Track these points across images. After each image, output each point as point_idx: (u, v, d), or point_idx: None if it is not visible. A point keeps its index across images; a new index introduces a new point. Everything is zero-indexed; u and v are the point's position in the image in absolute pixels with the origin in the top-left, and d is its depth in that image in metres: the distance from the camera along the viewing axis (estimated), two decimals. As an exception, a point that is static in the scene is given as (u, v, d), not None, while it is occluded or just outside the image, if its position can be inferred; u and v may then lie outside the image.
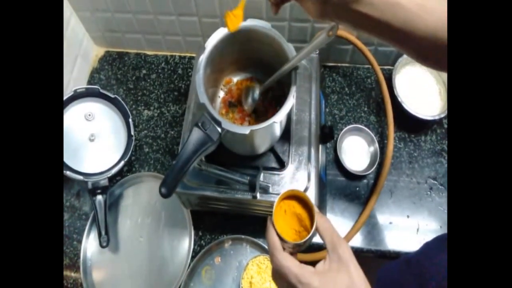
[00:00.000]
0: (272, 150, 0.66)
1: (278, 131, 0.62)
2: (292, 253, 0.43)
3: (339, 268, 0.40)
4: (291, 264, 0.40)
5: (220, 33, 0.58)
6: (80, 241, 0.78)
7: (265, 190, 0.63)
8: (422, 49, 0.41)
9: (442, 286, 0.51)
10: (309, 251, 0.75)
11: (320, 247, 0.76)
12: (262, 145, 0.63)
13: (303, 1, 0.44)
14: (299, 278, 0.39)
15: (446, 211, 0.79)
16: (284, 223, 0.45)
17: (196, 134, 0.52)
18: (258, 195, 0.62)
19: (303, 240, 0.43)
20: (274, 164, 0.66)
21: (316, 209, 0.44)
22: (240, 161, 0.65)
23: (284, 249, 0.42)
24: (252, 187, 0.62)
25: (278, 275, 0.42)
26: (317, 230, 0.44)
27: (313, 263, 0.44)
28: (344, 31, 0.84)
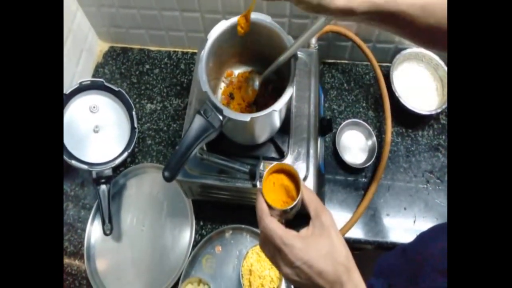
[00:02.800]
0: (272, 140, 0.68)
1: (277, 121, 0.64)
2: (279, 221, 0.45)
3: (321, 233, 0.42)
4: (276, 227, 0.42)
5: (222, 26, 0.60)
6: (84, 230, 0.80)
7: (265, 179, 0.64)
8: (432, 37, 0.45)
9: (436, 271, 0.52)
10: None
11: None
12: (262, 135, 0.65)
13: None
14: (283, 240, 0.41)
15: (442, 203, 0.80)
16: (273, 194, 0.47)
17: (198, 121, 0.54)
18: (258, 183, 0.64)
19: (289, 207, 0.45)
20: (274, 154, 0.67)
21: (302, 181, 0.46)
22: (241, 150, 0.67)
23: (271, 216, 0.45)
24: (252, 176, 0.63)
25: (265, 238, 0.44)
26: (303, 200, 0.46)
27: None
28: (343, 28, 0.86)
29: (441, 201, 0.81)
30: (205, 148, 0.66)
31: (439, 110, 0.84)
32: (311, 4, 0.42)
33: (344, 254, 0.42)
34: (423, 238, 0.63)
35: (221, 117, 0.54)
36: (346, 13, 0.42)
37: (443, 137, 0.87)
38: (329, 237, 0.42)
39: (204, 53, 0.58)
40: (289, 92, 0.55)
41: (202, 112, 0.54)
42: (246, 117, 0.54)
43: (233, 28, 0.60)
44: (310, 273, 0.40)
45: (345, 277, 0.40)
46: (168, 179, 0.52)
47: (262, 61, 0.69)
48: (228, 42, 0.63)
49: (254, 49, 0.67)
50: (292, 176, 0.48)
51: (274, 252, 0.43)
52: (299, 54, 0.75)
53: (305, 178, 0.65)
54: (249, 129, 0.61)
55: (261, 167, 0.64)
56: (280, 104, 0.55)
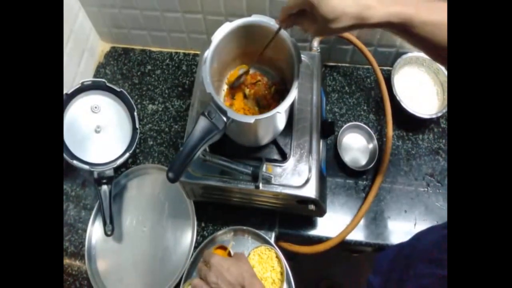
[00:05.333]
0: (274, 142, 0.68)
1: (280, 123, 0.64)
2: None
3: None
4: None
5: (225, 28, 0.60)
6: (84, 230, 0.79)
7: (267, 181, 0.65)
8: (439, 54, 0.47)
9: (426, 260, 0.53)
10: (309, 243, 0.77)
11: (319, 240, 0.78)
12: (265, 137, 0.65)
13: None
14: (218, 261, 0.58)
15: (442, 207, 0.81)
16: None
17: (202, 123, 0.54)
18: (260, 185, 0.64)
19: None
20: (276, 156, 0.68)
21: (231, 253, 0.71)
22: (244, 152, 0.67)
23: None
24: (255, 178, 0.64)
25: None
26: None
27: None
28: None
29: (441, 204, 0.81)
30: (207, 149, 0.66)
31: (439, 114, 0.84)
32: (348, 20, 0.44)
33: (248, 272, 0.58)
34: (418, 236, 0.63)
35: (225, 119, 0.54)
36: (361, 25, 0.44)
37: (443, 140, 0.87)
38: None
39: (209, 54, 0.58)
40: (293, 94, 0.55)
41: (206, 113, 0.54)
42: (250, 119, 0.54)
43: (236, 30, 0.61)
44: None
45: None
46: (172, 180, 0.52)
47: (265, 63, 0.70)
48: (232, 44, 0.64)
49: (256, 51, 0.67)
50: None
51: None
52: (302, 57, 0.75)
53: (307, 181, 0.65)
54: (253, 130, 0.61)
55: (264, 168, 0.64)
56: (284, 106, 0.55)
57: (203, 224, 0.79)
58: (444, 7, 0.43)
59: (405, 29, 0.45)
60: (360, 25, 0.44)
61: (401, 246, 0.65)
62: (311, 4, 0.43)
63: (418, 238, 0.61)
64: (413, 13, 0.43)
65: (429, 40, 0.45)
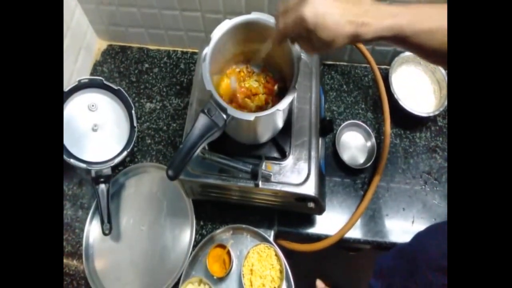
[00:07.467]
0: (274, 140, 0.68)
1: (280, 121, 0.64)
2: None
3: None
4: None
5: (225, 25, 0.60)
6: (82, 230, 0.79)
7: (266, 179, 0.64)
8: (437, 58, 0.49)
9: (431, 269, 0.53)
10: (308, 241, 0.77)
11: (318, 238, 0.78)
12: (265, 134, 0.65)
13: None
14: None
15: (439, 204, 0.81)
16: (214, 260, 0.73)
17: (202, 120, 0.54)
18: (260, 183, 0.64)
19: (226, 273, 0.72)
20: (275, 154, 0.67)
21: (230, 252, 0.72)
22: (243, 150, 0.67)
23: None
24: (254, 176, 0.63)
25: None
26: None
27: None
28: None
29: (438, 202, 0.82)
30: (207, 147, 0.66)
31: (436, 112, 0.85)
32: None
33: None
34: (419, 238, 0.64)
35: (225, 116, 0.54)
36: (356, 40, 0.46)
37: (441, 139, 0.88)
38: None
39: (208, 52, 0.58)
40: (294, 92, 0.55)
41: (205, 111, 0.54)
42: (250, 116, 0.54)
43: (236, 28, 0.61)
44: None
45: None
46: (172, 178, 0.51)
47: (264, 61, 0.70)
48: (231, 42, 0.63)
49: (255, 49, 0.67)
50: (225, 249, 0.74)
51: None
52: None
53: (306, 179, 0.65)
54: (252, 128, 0.61)
55: (263, 166, 0.64)
56: (284, 104, 0.55)
57: (201, 223, 0.79)
58: (435, 13, 0.45)
59: (399, 40, 0.46)
60: (356, 41, 0.46)
61: (401, 248, 0.64)
62: (307, 29, 0.44)
63: (419, 241, 0.61)
64: (405, 23, 0.44)
65: (425, 47, 0.46)
